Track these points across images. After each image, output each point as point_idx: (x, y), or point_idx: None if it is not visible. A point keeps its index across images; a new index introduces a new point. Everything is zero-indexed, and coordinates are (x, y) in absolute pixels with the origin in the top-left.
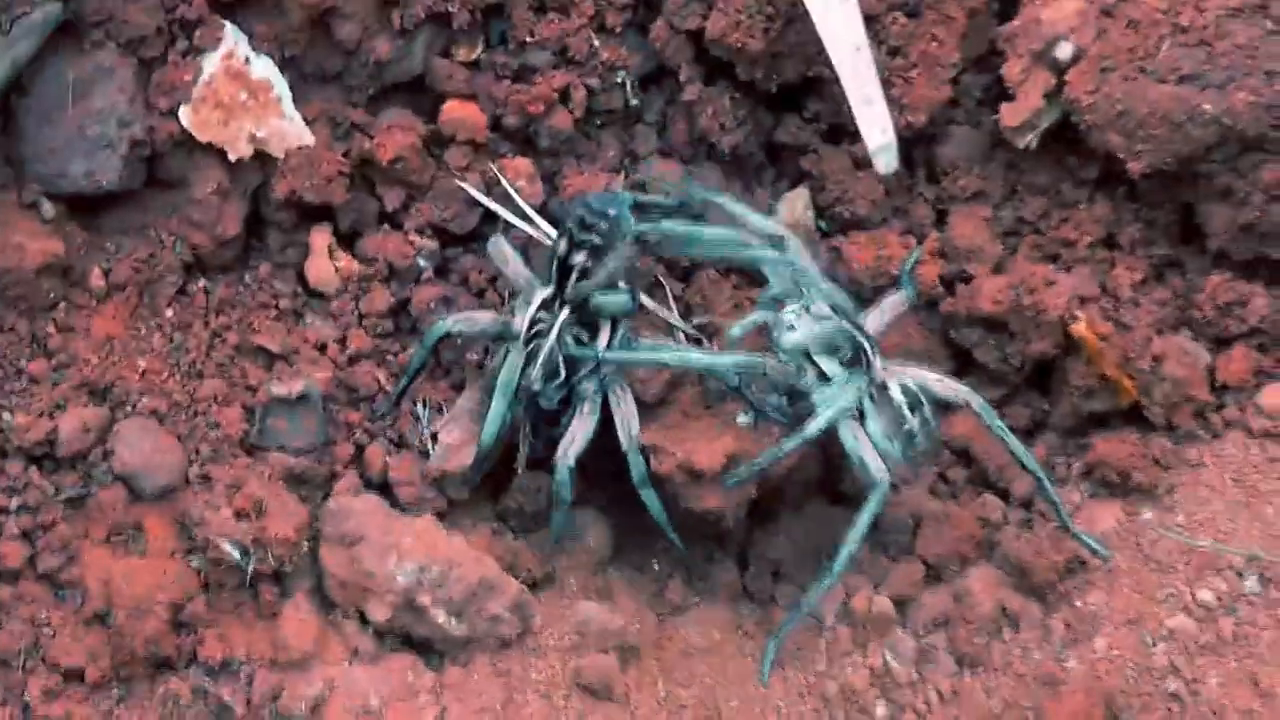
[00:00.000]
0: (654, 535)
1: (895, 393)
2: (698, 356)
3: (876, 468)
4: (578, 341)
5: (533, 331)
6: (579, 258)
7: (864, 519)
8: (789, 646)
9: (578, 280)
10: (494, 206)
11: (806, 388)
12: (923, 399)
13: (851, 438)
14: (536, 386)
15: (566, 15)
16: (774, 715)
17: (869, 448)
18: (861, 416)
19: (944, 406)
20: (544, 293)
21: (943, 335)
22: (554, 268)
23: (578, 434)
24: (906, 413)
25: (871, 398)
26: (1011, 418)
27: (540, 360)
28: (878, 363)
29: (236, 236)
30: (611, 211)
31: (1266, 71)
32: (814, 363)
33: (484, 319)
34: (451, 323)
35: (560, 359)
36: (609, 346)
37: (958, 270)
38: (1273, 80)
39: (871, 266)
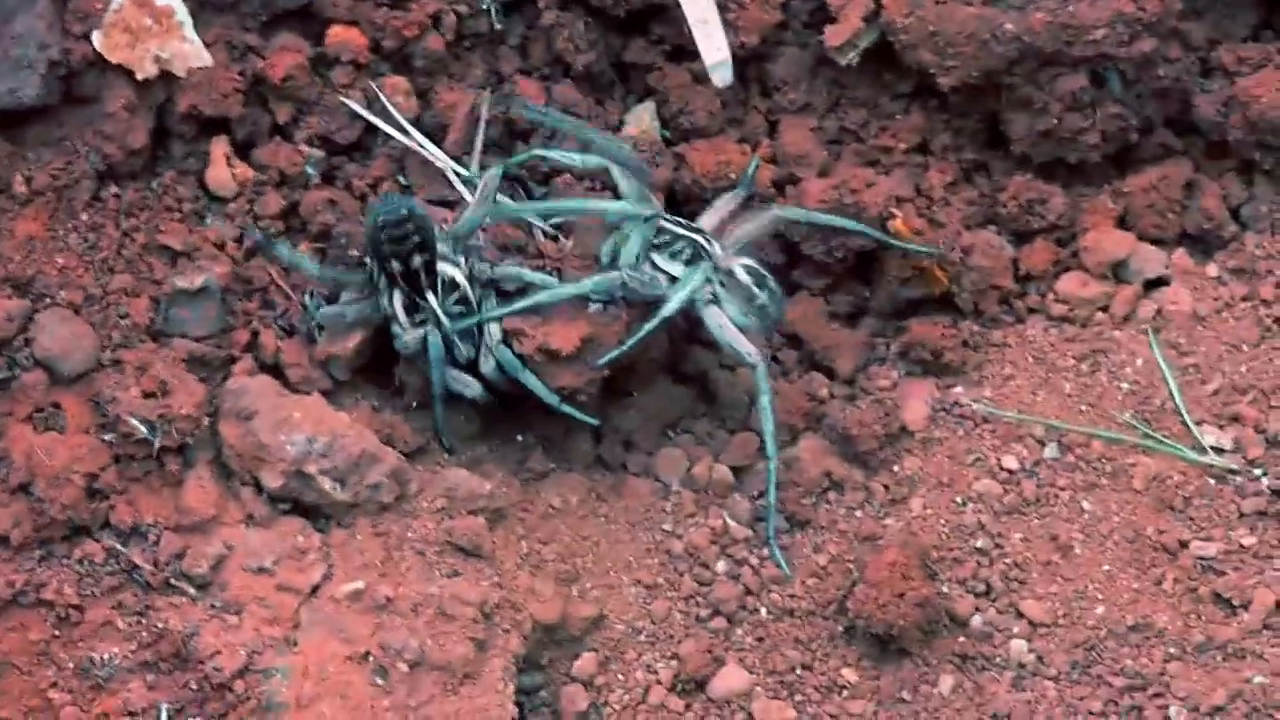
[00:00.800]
0: (517, 414)
1: (742, 275)
2: (565, 290)
3: (747, 351)
4: (459, 314)
5: (418, 321)
6: (416, 260)
7: (764, 401)
8: (638, 509)
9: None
10: (374, 120)
11: (663, 292)
12: (766, 274)
13: (718, 327)
14: (461, 361)
15: None
16: (625, 570)
17: (735, 333)
18: (718, 302)
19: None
20: (400, 300)
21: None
22: (396, 283)
23: (493, 330)
24: (755, 290)
25: (722, 284)
26: (835, 305)
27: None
28: (717, 251)
29: (144, 147)
30: (404, 212)
31: None
32: (662, 269)
33: (351, 312)
34: (321, 316)
35: (455, 338)
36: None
37: (787, 174)
38: (1066, 1)
39: (711, 171)
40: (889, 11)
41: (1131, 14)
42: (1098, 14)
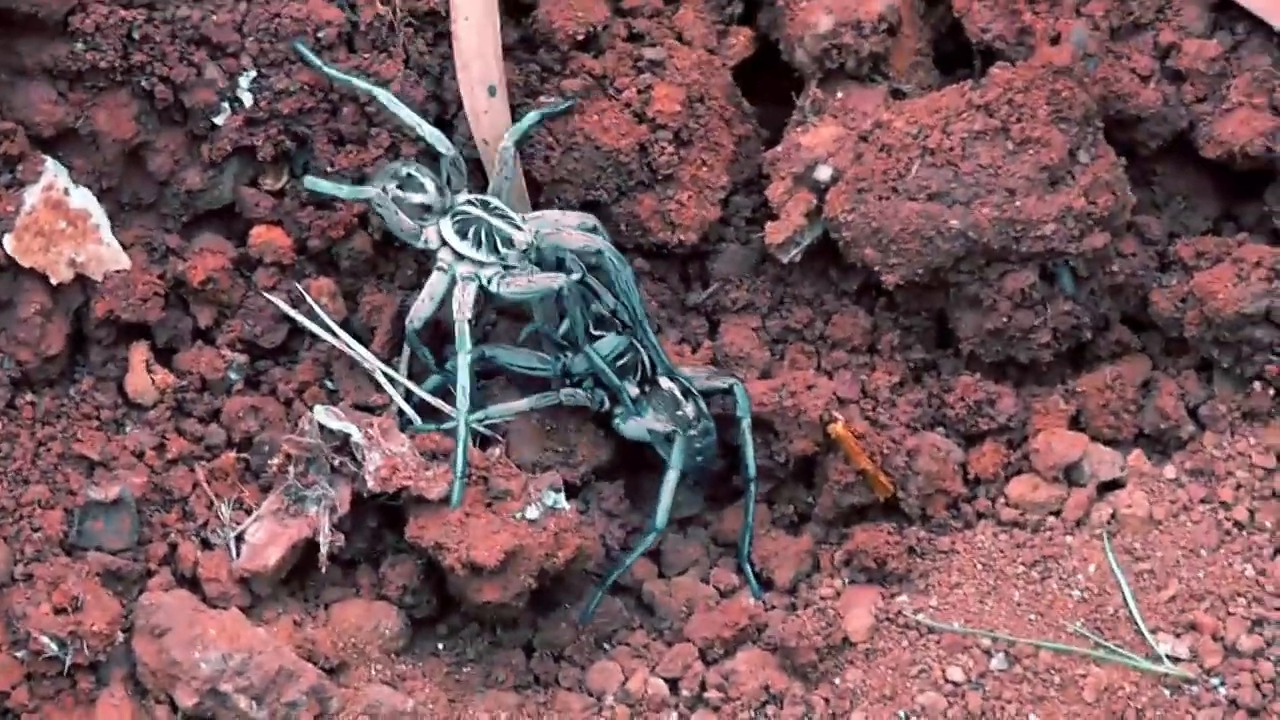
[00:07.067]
0: (445, 627)
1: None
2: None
3: None
4: None
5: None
6: None
7: None
8: None
9: None
10: (303, 321)
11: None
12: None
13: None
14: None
15: (364, 146)
16: None
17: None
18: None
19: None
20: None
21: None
22: None
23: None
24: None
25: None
26: (778, 510)
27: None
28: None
29: (60, 353)
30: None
31: (1007, 189)
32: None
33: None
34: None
35: None
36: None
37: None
38: (1013, 197)
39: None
40: (831, 207)
41: (1082, 209)
42: (1046, 209)
